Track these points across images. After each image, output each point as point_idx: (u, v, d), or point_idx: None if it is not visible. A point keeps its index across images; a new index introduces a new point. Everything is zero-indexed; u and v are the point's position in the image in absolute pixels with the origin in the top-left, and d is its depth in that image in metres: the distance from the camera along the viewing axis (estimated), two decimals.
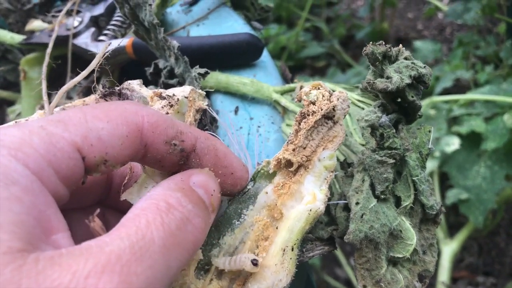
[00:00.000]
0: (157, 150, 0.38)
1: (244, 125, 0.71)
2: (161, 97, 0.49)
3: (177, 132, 0.39)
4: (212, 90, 0.72)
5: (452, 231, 1.93)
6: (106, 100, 0.49)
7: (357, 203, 0.47)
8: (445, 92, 2.10)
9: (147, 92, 0.50)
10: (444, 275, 1.76)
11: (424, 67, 0.48)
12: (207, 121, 0.56)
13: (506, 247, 2.10)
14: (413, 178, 0.49)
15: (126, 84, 0.50)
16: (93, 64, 0.45)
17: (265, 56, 0.80)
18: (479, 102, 1.79)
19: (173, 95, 0.49)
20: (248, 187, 0.46)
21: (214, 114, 0.54)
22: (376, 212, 0.47)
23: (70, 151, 0.32)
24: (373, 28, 2.90)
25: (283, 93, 0.70)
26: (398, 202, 0.50)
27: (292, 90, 0.68)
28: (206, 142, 0.42)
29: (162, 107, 0.47)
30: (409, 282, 0.48)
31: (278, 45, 2.67)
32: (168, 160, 0.40)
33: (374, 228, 0.46)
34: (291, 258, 0.42)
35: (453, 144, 1.69)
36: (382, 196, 0.48)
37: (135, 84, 0.50)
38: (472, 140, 1.73)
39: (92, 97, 0.50)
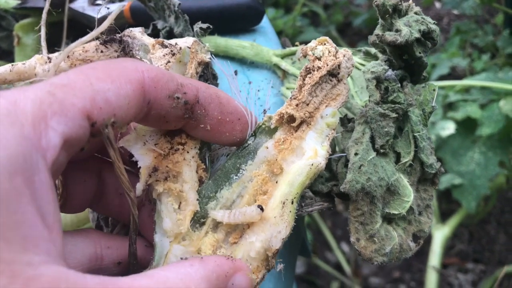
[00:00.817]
0: (161, 106, 0.37)
1: (242, 89, 0.70)
2: (163, 45, 0.47)
3: (177, 85, 0.38)
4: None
5: (444, 218, 1.93)
6: (107, 47, 0.48)
7: (356, 154, 0.46)
8: (441, 79, 2.10)
9: (149, 40, 0.49)
10: (435, 260, 1.77)
11: (434, 23, 0.48)
12: (209, 76, 0.55)
13: (496, 235, 2.12)
14: (415, 134, 0.48)
15: (127, 31, 0.49)
16: (105, 25, 0.43)
17: (265, 22, 0.79)
18: (475, 88, 1.79)
19: (176, 43, 0.47)
20: (249, 142, 0.46)
21: (218, 64, 0.53)
22: (375, 165, 0.46)
23: (80, 119, 0.31)
24: (370, 16, 2.88)
25: (283, 56, 0.69)
26: (397, 158, 0.49)
27: (293, 53, 0.67)
28: (207, 91, 0.41)
29: (164, 55, 0.46)
30: (403, 241, 0.48)
31: (275, 29, 2.64)
32: (172, 115, 0.39)
33: (371, 181, 0.45)
34: (290, 211, 0.42)
35: (448, 128, 1.69)
36: (382, 150, 0.47)
37: (136, 32, 0.49)
38: (467, 126, 1.73)
39: (93, 43, 0.48)
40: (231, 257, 0.40)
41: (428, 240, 1.91)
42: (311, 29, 2.81)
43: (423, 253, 2.04)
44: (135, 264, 0.44)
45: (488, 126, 1.62)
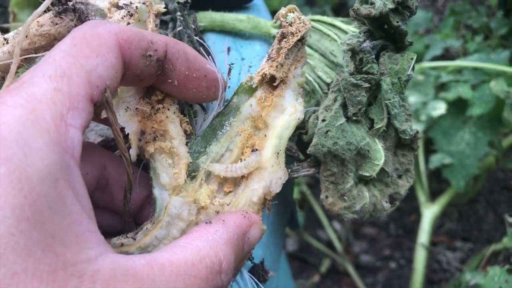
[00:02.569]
0: (136, 66, 0.39)
1: (235, 65, 0.71)
2: (118, 7, 0.48)
3: (148, 43, 0.39)
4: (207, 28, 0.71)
5: (434, 197, 1.97)
6: (61, 18, 0.48)
7: (323, 120, 0.50)
8: (434, 60, 2.12)
9: (103, 3, 0.49)
10: (423, 237, 1.81)
11: None
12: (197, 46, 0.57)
13: (485, 214, 2.15)
14: (386, 102, 0.51)
15: None
16: None
17: None
18: (467, 69, 1.80)
19: (130, 3, 0.48)
20: (234, 100, 0.50)
21: (206, 44, 0.54)
22: (343, 130, 0.49)
23: (88, 105, 0.33)
24: None
25: None
26: (372, 124, 0.53)
27: None
28: (175, 46, 0.42)
29: (122, 18, 0.47)
30: (377, 201, 0.52)
31: (270, 8, 2.63)
32: (147, 73, 0.40)
33: (338, 145, 0.49)
34: (283, 160, 0.48)
35: (439, 108, 1.71)
36: (354, 118, 0.51)
37: None
38: (458, 107, 1.75)
39: (46, 16, 0.49)
40: (247, 213, 0.45)
41: (418, 218, 1.94)
42: (306, 9, 2.81)
43: (413, 231, 2.08)
44: (130, 222, 0.46)
45: (479, 106, 1.64)
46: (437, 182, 2.13)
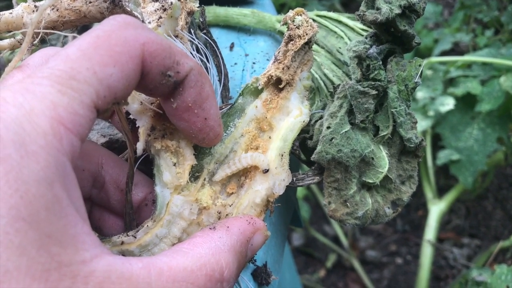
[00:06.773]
0: (151, 80, 0.37)
1: (238, 61, 0.71)
2: None
3: (173, 62, 0.38)
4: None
5: (441, 193, 1.96)
6: None
7: (328, 127, 0.49)
8: (444, 55, 2.10)
9: None
10: (430, 233, 1.80)
11: None
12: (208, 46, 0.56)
13: (493, 210, 2.14)
14: (392, 110, 0.50)
15: None
16: None
17: None
18: (476, 64, 1.78)
19: None
20: (239, 101, 0.50)
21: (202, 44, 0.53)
22: (348, 138, 0.49)
23: (90, 113, 0.32)
24: None
25: None
26: (377, 131, 0.52)
27: None
28: (197, 76, 0.40)
29: (155, 11, 0.46)
30: (380, 207, 0.51)
31: (278, 1, 2.63)
32: (159, 90, 0.39)
33: (342, 152, 0.48)
34: (287, 162, 0.48)
35: (447, 104, 1.69)
36: (362, 125, 0.50)
37: None
38: (466, 102, 1.73)
39: None
40: (252, 218, 0.44)
41: (425, 214, 1.93)
42: (315, 2, 2.79)
43: (420, 227, 2.07)
44: (131, 213, 0.46)
45: (488, 102, 1.63)
46: (445, 178, 2.12)
